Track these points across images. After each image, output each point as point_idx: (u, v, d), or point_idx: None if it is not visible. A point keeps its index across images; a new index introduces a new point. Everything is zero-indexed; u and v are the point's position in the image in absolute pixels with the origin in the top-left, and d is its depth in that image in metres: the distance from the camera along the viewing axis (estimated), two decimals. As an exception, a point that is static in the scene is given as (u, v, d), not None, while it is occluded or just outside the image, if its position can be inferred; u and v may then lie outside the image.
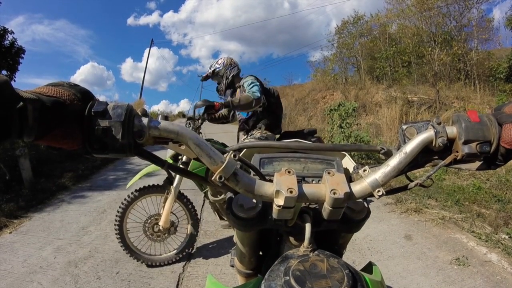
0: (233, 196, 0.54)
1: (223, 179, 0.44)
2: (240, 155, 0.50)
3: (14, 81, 10.41)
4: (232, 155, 0.46)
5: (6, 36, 10.00)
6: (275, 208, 0.45)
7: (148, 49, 24.81)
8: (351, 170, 0.63)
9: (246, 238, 0.64)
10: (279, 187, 0.44)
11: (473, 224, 2.82)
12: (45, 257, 2.30)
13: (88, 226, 2.87)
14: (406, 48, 12.36)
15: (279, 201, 0.44)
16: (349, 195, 0.46)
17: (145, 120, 0.42)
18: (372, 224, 2.89)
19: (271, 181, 0.48)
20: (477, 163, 0.53)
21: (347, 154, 0.72)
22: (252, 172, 0.54)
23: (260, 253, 0.74)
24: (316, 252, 0.48)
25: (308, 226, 0.50)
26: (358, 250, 2.41)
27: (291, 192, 0.43)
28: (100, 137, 0.39)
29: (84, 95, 0.41)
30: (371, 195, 0.48)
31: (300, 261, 0.44)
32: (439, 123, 0.51)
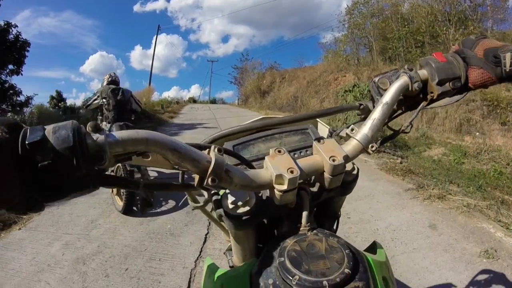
0: (218, 197, 0.48)
1: (216, 181, 0.38)
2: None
3: (21, 74, 10.41)
4: (216, 150, 0.40)
5: (11, 30, 9.93)
6: (277, 194, 0.42)
7: (155, 35, 24.68)
8: (325, 134, 0.61)
9: (244, 235, 0.57)
10: (278, 170, 0.41)
11: (499, 212, 2.67)
12: (53, 254, 2.23)
13: (97, 219, 2.79)
14: (419, 28, 11.91)
15: (282, 186, 0.41)
16: (347, 157, 0.44)
17: (101, 137, 0.32)
18: (394, 212, 2.73)
19: (260, 167, 0.45)
20: (450, 98, 0.54)
21: (319, 120, 0.68)
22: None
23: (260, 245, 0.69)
24: (314, 231, 0.44)
25: (306, 204, 0.47)
26: (381, 241, 2.23)
27: (292, 172, 0.41)
28: (46, 177, 0.29)
29: (10, 126, 0.29)
30: (365, 151, 0.48)
31: (296, 240, 0.42)
32: (411, 70, 0.52)
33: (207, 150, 0.41)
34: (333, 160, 0.43)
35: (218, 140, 0.54)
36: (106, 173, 0.35)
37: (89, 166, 0.31)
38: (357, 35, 14.45)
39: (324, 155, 0.44)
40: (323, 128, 0.67)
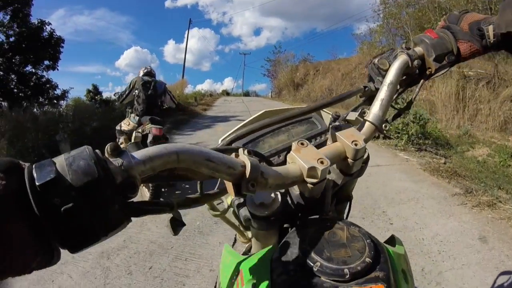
0: (241, 200, 0.49)
1: (255, 185, 0.35)
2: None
3: (57, 69, 10.91)
4: (247, 152, 0.37)
5: (44, 28, 10.38)
6: (309, 187, 0.41)
7: (187, 29, 25.20)
8: (327, 121, 0.61)
9: (268, 234, 0.56)
10: (308, 163, 0.40)
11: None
12: (79, 246, 2.20)
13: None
14: None
15: (315, 178, 0.40)
16: (366, 140, 0.45)
17: (126, 161, 0.27)
18: (440, 219, 2.45)
19: (282, 163, 0.47)
20: (444, 69, 0.55)
21: None
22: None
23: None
24: (336, 220, 0.44)
25: (328, 193, 0.47)
26: (427, 253, 2.01)
27: (322, 162, 0.40)
28: (71, 223, 0.23)
29: (6, 170, 0.23)
30: (377, 131, 0.49)
31: (318, 228, 0.41)
32: (409, 48, 0.55)
33: (233, 154, 0.38)
34: (356, 145, 0.43)
35: (235, 141, 0.51)
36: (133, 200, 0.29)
37: (119, 198, 0.26)
38: (393, 25, 13.67)
39: (345, 141, 0.44)
40: (325, 115, 0.67)
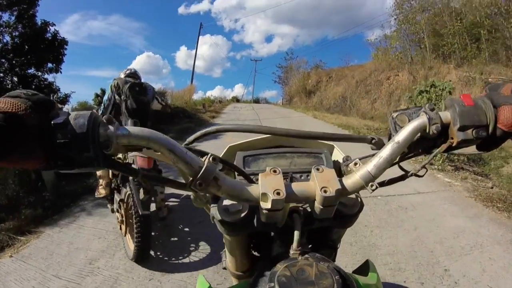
0: (216, 200, 0.51)
1: (203, 185, 0.41)
2: (223, 153, 0.51)
3: (61, 72, 10.45)
4: (211, 159, 0.42)
5: (48, 29, 9.97)
6: (263, 211, 0.43)
7: (200, 36, 25.38)
8: (340, 161, 0.60)
9: (234, 242, 0.59)
10: (264, 189, 0.42)
11: None
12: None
13: (97, 259, 2.19)
14: (475, 21, 10.72)
15: (266, 205, 0.42)
16: (341, 191, 0.43)
17: (111, 129, 0.39)
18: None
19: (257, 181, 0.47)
20: (471, 148, 0.51)
21: (335, 145, 0.67)
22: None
23: (255, 253, 0.68)
24: (305, 256, 0.45)
25: (297, 228, 0.48)
26: None
27: (278, 194, 0.41)
28: (62, 151, 0.36)
29: (44, 105, 0.37)
30: (364, 188, 0.46)
31: (287, 265, 0.41)
32: (433, 109, 0.49)
33: (205, 157, 0.43)
34: (324, 191, 0.42)
35: (199, 138, 0.55)
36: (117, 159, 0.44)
37: (97, 150, 0.37)
38: (410, 31, 13.21)
39: (317, 184, 0.43)
40: (338, 155, 0.64)
